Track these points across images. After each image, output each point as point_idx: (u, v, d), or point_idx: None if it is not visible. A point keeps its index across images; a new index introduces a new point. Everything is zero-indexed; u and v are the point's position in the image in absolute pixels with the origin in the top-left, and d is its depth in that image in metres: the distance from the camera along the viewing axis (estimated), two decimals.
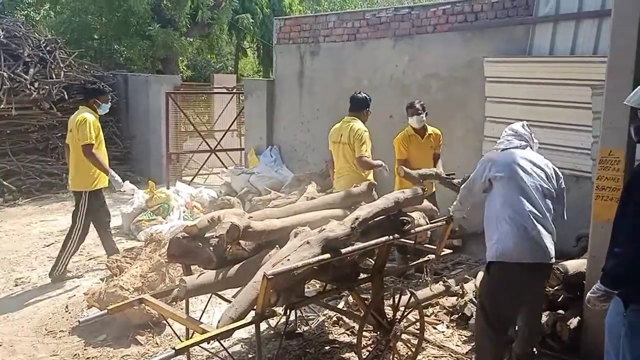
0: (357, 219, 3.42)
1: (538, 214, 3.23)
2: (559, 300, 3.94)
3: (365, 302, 3.62)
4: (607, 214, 3.50)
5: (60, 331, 4.37)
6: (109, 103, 5.77)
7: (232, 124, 11.25)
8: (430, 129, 5.53)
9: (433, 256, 3.99)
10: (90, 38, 15.10)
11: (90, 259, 6.27)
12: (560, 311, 3.95)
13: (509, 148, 3.52)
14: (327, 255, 3.17)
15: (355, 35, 7.62)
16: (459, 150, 6.41)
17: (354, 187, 4.29)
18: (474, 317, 4.30)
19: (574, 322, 3.74)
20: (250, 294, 3.06)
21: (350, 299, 4.65)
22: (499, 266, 3.24)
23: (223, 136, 10.72)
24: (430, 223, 3.86)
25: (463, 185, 3.74)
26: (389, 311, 3.78)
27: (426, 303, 4.53)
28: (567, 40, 5.39)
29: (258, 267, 3.30)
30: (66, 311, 4.74)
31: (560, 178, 3.46)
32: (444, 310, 4.59)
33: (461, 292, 4.56)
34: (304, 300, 3.52)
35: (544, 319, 3.77)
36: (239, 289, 3.37)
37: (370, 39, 7.42)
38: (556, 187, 3.40)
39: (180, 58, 18.85)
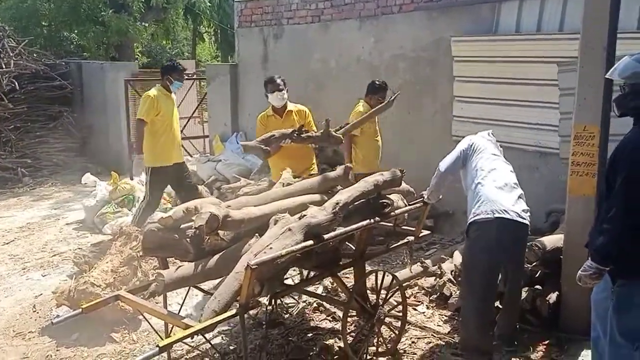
0: (337, 203, 3.35)
1: (515, 184, 3.50)
2: (537, 276, 3.98)
3: (348, 287, 3.58)
4: (583, 189, 3.56)
5: (29, 332, 4.18)
6: (183, 81, 5.87)
7: (194, 110, 10.97)
8: (292, 106, 5.12)
9: (412, 238, 3.99)
10: (39, 25, 14.42)
11: (54, 255, 6.02)
12: (538, 286, 4.01)
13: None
14: (311, 242, 3.10)
15: (319, 17, 7.51)
16: (428, 131, 6.42)
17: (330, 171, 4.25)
18: (453, 296, 4.35)
19: (552, 297, 3.80)
20: (232, 285, 2.96)
21: (328, 283, 4.61)
22: (484, 222, 3.33)
23: (186, 124, 10.43)
24: (409, 205, 3.84)
25: (437, 171, 3.76)
26: (371, 295, 3.76)
27: (405, 285, 4.53)
28: (533, 17, 5.42)
29: (238, 257, 3.20)
30: (34, 311, 4.53)
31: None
32: (423, 291, 4.60)
33: (439, 272, 4.58)
34: (288, 289, 3.45)
35: (523, 295, 3.82)
36: (219, 280, 3.29)
37: (335, 21, 7.32)
38: None
39: (135, 44, 18.28)
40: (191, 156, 10.16)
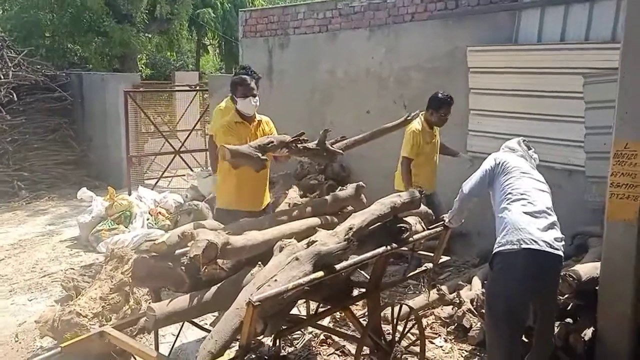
0: (350, 228, 2.99)
1: (549, 209, 3.09)
2: (569, 309, 3.60)
3: (361, 321, 3.21)
4: (624, 213, 3.20)
5: None
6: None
7: (197, 123, 10.65)
8: (259, 117, 4.25)
9: (431, 264, 3.62)
10: (42, 36, 14.19)
11: (44, 276, 5.66)
12: (569, 320, 3.62)
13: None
14: (321, 273, 2.73)
15: (327, 26, 7.19)
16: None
17: (338, 190, 3.90)
18: (474, 328, 3.97)
19: (587, 333, 3.41)
20: (232, 323, 2.59)
21: (337, 313, 4.24)
22: (509, 254, 2.94)
23: (187, 136, 10.14)
24: (428, 229, 3.48)
25: (460, 194, 3.39)
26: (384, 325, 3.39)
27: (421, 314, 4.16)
28: (556, 27, 5.08)
29: (239, 289, 2.84)
30: (16, 341, 4.16)
31: None
32: (439, 322, 4.22)
33: (458, 301, 4.19)
34: (295, 326, 3.07)
35: (555, 330, 3.43)
36: (217, 315, 2.93)
37: (344, 30, 7.00)
38: None
39: (139, 56, 18.06)
40: (192, 170, 9.83)
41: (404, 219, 3.35)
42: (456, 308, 4.19)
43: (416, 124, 4.94)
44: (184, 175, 10.49)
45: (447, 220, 3.49)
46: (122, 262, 4.33)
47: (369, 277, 3.31)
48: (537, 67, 5.17)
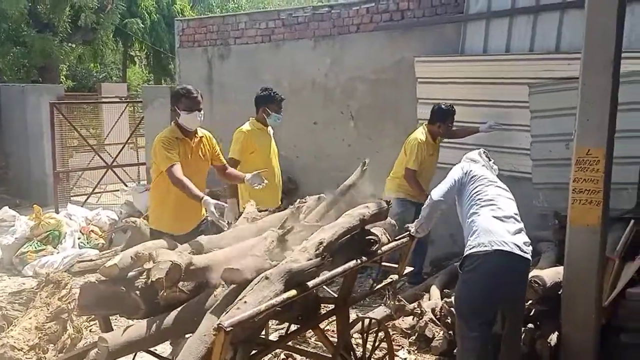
0: (321, 243, 2.83)
1: (516, 215, 3.17)
2: (532, 314, 3.60)
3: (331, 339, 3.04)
4: (586, 218, 3.24)
5: None
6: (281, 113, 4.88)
7: (130, 135, 10.15)
8: (201, 132, 3.97)
9: (396, 276, 3.52)
10: None
11: None
12: (530, 325, 3.63)
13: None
14: (294, 292, 2.55)
15: (270, 36, 7.04)
16: (391, 156, 6.01)
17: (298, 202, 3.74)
18: (436, 338, 3.91)
19: (553, 338, 3.42)
20: (197, 351, 2.35)
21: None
22: (480, 256, 2.98)
23: (121, 150, 9.62)
24: (394, 239, 3.38)
25: (429, 201, 3.35)
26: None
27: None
28: (501, 38, 5.21)
29: (202, 313, 2.62)
30: None
31: None
32: (401, 333, 4.12)
33: (419, 311, 4.12)
34: (267, 349, 2.86)
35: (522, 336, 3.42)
36: (179, 343, 2.67)
37: (288, 40, 6.87)
38: None
39: (60, 67, 17.11)
40: (126, 185, 9.33)
41: (372, 231, 3.23)
42: (417, 318, 4.12)
43: (420, 135, 5.01)
44: (117, 190, 9.96)
45: (413, 230, 3.42)
46: (59, 288, 3.95)
47: (337, 293, 3.15)
48: (484, 77, 5.26)
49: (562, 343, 3.40)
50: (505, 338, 3.24)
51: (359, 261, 2.98)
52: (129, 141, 10.69)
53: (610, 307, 3.45)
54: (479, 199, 3.12)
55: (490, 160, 3.50)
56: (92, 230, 6.92)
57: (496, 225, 3.00)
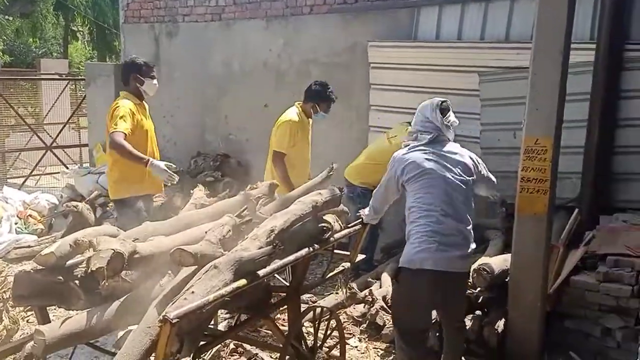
0: (272, 231, 2.76)
1: (454, 218, 2.86)
2: (479, 301, 3.66)
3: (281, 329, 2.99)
4: (534, 207, 3.30)
5: None
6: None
7: (72, 115, 9.69)
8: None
9: (348, 264, 3.49)
10: None
11: None
12: (478, 312, 3.69)
13: (418, 146, 3.01)
14: (243, 282, 2.47)
15: (220, 15, 6.82)
16: (343, 141, 5.99)
17: (249, 188, 3.65)
18: (387, 325, 3.92)
19: (500, 325, 3.48)
20: (142, 343, 2.24)
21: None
22: (410, 273, 2.85)
23: (61, 130, 9.19)
24: (347, 227, 3.34)
25: (375, 191, 3.28)
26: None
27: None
28: (454, 25, 5.22)
29: (147, 303, 2.50)
30: None
31: (479, 164, 3.12)
32: (351, 321, 4.12)
33: (370, 299, 4.12)
34: (215, 340, 2.77)
35: (467, 323, 3.46)
36: (121, 334, 2.54)
37: (239, 20, 6.68)
38: (476, 177, 3.04)
39: None
40: (67, 167, 8.92)
41: (324, 217, 3.18)
42: (368, 306, 4.12)
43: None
44: (57, 173, 9.52)
45: (364, 217, 3.38)
46: None
47: (288, 282, 3.09)
48: (436, 65, 5.27)
49: (509, 329, 3.47)
50: (446, 344, 3.16)
51: (311, 249, 2.92)
52: (70, 121, 10.24)
53: (555, 294, 3.54)
54: (415, 207, 2.89)
55: (445, 114, 3.01)
56: (30, 215, 6.58)
57: (432, 239, 2.79)
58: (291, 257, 2.78)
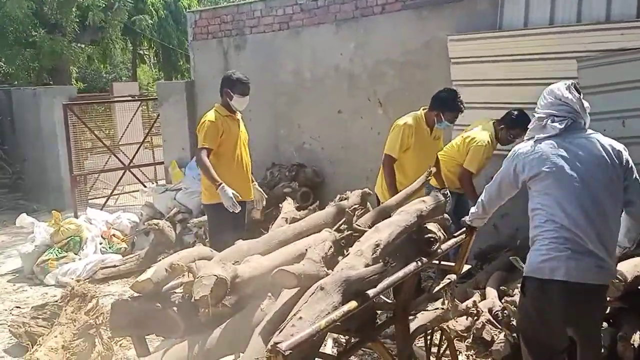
0: (377, 245, 2.51)
1: (590, 222, 2.44)
2: (608, 312, 3.24)
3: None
4: None
5: None
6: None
7: (147, 134, 9.87)
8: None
9: (454, 276, 3.18)
10: None
11: None
12: (605, 324, 3.28)
13: (547, 138, 2.56)
14: (354, 304, 2.23)
15: (288, 23, 6.69)
16: None
17: (338, 199, 3.41)
18: (496, 341, 3.56)
19: (635, 338, 3.06)
20: None
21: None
22: (538, 283, 2.49)
23: (138, 149, 9.34)
24: (450, 236, 3.04)
25: (487, 187, 2.92)
26: None
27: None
28: (544, 10, 4.80)
29: (249, 329, 2.31)
30: None
31: (624, 156, 2.54)
32: (455, 335, 3.78)
33: (475, 311, 3.78)
34: None
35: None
36: None
37: (307, 26, 6.52)
38: (621, 172, 2.51)
39: (71, 69, 16.87)
40: (145, 186, 9.06)
41: (427, 227, 2.89)
42: (473, 319, 3.78)
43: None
44: (136, 191, 9.70)
45: (469, 220, 3.05)
46: (85, 301, 3.66)
47: (391, 299, 2.82)
48: (526, 54, 4.86)
49: None
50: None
51: (419, 263, 2.65)
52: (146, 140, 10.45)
53: None
54: (539, 209, 2.53)
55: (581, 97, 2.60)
56: (113, 235, 6.66)
57: (561, 246, 2.42)
58: (400, 274, 2.51)
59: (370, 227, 2.99)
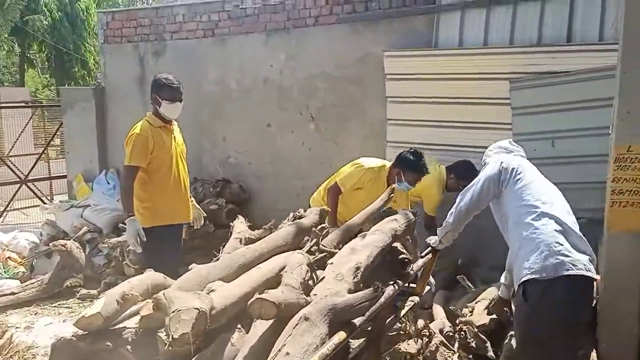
0: (357, 268, 2.32)
1: (573, 220, 2.68)
2: None
3: None
4: (627, 223, 2.93)
5: None
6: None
7: (48, 144, 8.94)
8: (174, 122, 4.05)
9: (417, 298, 3.06)
10: None
11: None
12: None
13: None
14: (343, 335, 2.01)
15: (213, 30, 6.35)
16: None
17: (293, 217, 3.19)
18: None
19: (594, 356, 3.09)
20: None
21: None
22: (547, 282, 2.46)
23: (36, 162, 8.44)
24: (420, 256, 2.92)
25: (462, 200, 2.86)
26: None
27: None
28: (479, 30, 4.90)
29: None
30: None
31: None
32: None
33: (427, 333, 3.67)
34: None
35: None
36: None
37: (234, 35, 6.22)
38: None
39: None
40: (43, 202, 8.18)
41: (399, 249, 2.75)
42: (423, 342, 3.67)
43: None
44: (25, 208, 8.75)
45: (437, 242, 2.95)
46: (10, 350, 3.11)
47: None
48: (460, 73, 4.93)
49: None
50: None
51: (396, 287, 2.48)
52: (35, 152, 9.48)
53: None
54: (533, 206, 2.61)
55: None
56: (9, 257, 5.88)
57: (561, 240, 2.51)
58: (381, 299, 2.33)
59: (336, 248, 2.81)
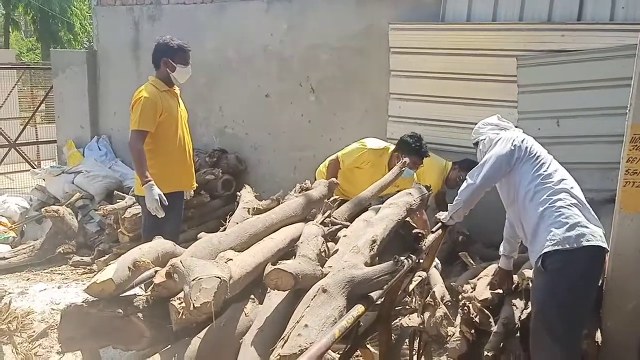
0: (374, 242, 2.27)
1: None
2: None
3: None
4: (639, 203, 2.91)
5: None
6: None
7: (38, 108, 8.71)
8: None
9: (425, 274, 3.03)
10: None
11: None
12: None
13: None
14: (361, 308, 1.96)
15: None
16: (358, 133, 5.47)
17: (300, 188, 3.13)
18: (452, 338, 3.48)
19: (599, 336, 3.10)
20: None
21: None
22: (570, 253, 2.55)
23: (25, 126, 8.24)
24: (431, 231, 2.88)
25: (474, 174, 2.85)
26: None
27: None
28: (488, 5, 4.80)
29: (235, 339, 1.99)
30: None
31: None
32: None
33: (433, 304, 3.66)
34: None
35: None
36: None
37: (234, 2, 6.05)
38: None
39: None
40: (33, 167, 8.01)
41: (412, 224, 2.70)
42: (426, 314, 3.66)
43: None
44: (12, 173, 8.57)
45: (447, 218, 2.93)
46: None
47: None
48: (467, 49, 4.85)
49: (605, 341, 3.10)
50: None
51: (409, 262, 2.44)
52: (23, 117, 9.25)
53: None
54: (549, 181, 2.68)
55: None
56: (0, 222, 5.76)
57: (580, 212, 2.61)
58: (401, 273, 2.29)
59: (348, 221, 2.76)
